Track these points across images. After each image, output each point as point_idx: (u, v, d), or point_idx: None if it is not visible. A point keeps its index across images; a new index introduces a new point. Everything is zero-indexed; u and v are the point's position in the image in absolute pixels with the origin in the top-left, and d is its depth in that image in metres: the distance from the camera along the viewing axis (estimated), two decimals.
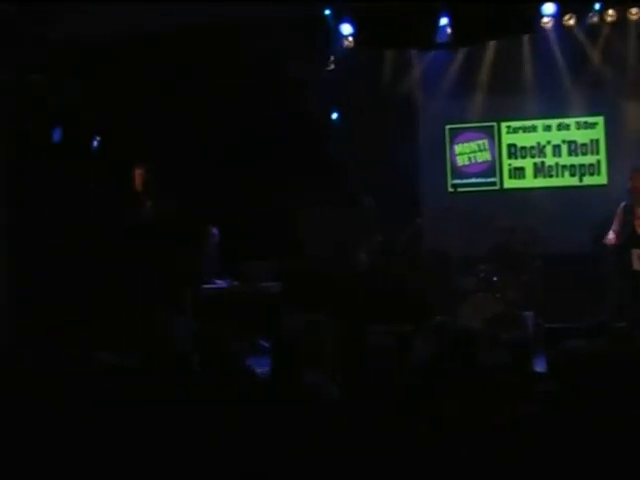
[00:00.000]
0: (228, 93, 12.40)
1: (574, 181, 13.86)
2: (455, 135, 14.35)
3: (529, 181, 14.03)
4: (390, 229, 12.68)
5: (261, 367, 6.60)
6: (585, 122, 13.76)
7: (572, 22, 12.11)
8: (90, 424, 4.68)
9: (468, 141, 14.30)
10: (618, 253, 10.42)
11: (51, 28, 9.86)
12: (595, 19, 11.92)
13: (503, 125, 14.12)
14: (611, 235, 10.51)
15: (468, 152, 14.30)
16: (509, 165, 14.15)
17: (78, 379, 5.12)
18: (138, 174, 10.04)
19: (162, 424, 4.72)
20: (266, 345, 10.16)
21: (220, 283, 12.09)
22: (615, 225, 10.52)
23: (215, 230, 12.30)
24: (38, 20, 9.69)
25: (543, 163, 13.97)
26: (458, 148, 14.34)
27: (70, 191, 11.60)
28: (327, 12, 11.70)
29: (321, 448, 4.36)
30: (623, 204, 10.38)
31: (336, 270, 12.70)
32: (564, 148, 13.88)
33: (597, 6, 11.71)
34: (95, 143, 12.59)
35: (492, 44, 13.10)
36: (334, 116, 13.96)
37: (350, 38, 12.29)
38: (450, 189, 13.26)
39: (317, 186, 13.17)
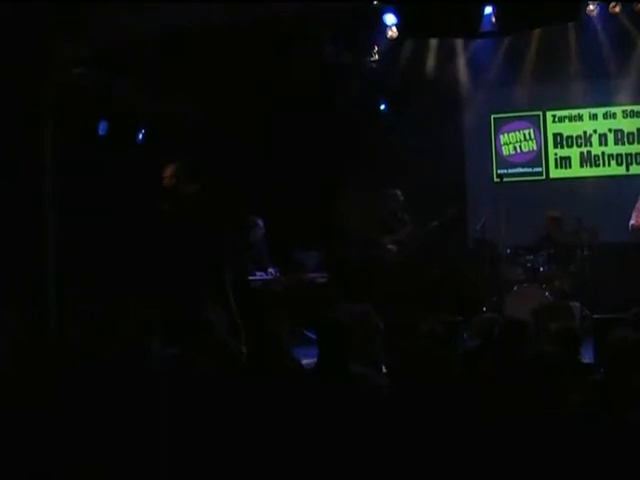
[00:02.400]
0: (275, 84, 12.42)
1: (621, 170, 13.76)
2: (500, 124, 14.29)
3: (575, 171, 13.95)
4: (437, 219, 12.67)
5: (308, 358, 6.64)
6: (632, 110, 13.65)
7: (618, 9, 11.95)
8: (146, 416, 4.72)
9: (513, 130, 14.25)
10: None
11: (97, 23, 9.91)
12: None
13: (549, 114, 14.05)
14: (633, 221, 10.46)
15: (513, 141, 14.25)
16: (555, 154, 14.07)
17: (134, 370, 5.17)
18: (172, 168, 9.74)
19: (209, 416, 4.74)
20: (313, 336, 10.20)
21: (262, 275, 12.11)
22: (634, 217, 10.42)
23: (260, 221, 12.32)
24: (84, 15, 9.74)
25: (589, 152, 13.89)
26: (503, 137, 14.29)
27: (117, 184, 11.67)
28: (374, 2, 11.64)
29: (370, 438, 4.37)
30: None
31: (368, 260, 12.70)
32: (610, 137, 13.79)
33: None
34: (140, 136, 12.67)
35: (537, 32, 12.98)
36: (382, 107, 13.95)
37: (394, 28, 12.24)
38: (496, 179, 13.19)
39: (362, 177, 13.19)
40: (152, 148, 12.25)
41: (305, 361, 6.35)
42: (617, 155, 13.77)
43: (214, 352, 5.58)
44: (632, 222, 10.35)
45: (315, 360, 5.51)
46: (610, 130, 13.79)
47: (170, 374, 5.01)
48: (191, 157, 11.64)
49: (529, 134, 14.16)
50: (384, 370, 5.92)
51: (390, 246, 12.48)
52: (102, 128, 12.11)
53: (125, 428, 4.67)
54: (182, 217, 9.67)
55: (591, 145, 13.87)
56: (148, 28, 10.22)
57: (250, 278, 11.92)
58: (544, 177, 14.10)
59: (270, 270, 12.23)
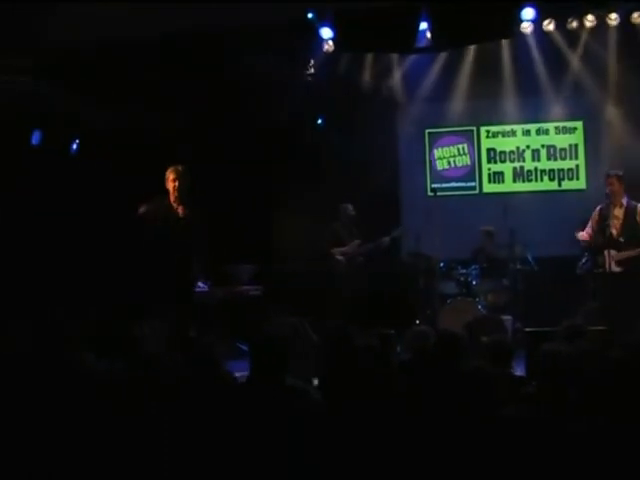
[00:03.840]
0: (211, 98, 12.39)
1: (553, 186, 13.94)
2: (435, 139, 14.40)
3: (508, 185, 14.09)
4: (371, 232, 12.68)
5: (241, 371, 6.61)
6: (564, 127, 13.85)
7: (551, 27, 12.14)
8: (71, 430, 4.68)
9: (448, 145, 14.35)
10: (594, 255, 10.49)
11: (36, 33, 9.83)
12: (575, 24, 11.94)
13: (482, 129, 14.19)
14: (583, 232, 10.59)
15: (448, 156, 14.35)
16: (488, 169, 14.21)
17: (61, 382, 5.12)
18: (172, 178, 9.75)
19: (138, 428, 4.71)
20: (245, 348, 10.15)
21: (202, 287, 12.03)
22: (589, 227, 10.59)
23: None
24: (22, 24, 9.67)
25: (522, 167, 14.04)
26: (438, 152, 14.38)
27: (50, 194, 11.58)
28: (309, 16, 11.66)
29: (303, 451, 4.36)
30: (599, 207, 10.44)
31: (315, 272, 12.71)
32: (543, 153, 13.96)
33: (576, 13, 11.72)
34: (75, 146, 12.57)
35: (472, 49, 13.12)
36: (319, 121, 13.98)
37: (330, 42, 12.28)
38: (430, 193, 13.27)
39: (299, 189, 13.19)
40: (86, 158, 12.17)
41: (238, 374, 6.33)
42: (549, 170, 13.94)
43: (146, 366, 5.53)
44: (582, 233, 10.46)
45: (248, 373, 5.49)
46: (543, 146, 13.95)
47: (100, 387, 4.96)
48: (127, 169, 11.63)
49: (463, 149, 14.28)
50: (318, 384, 5.92)
51: (339, 257, 12.48)
52: (35, 138, 11.99)
53: (50, 437, 4.63)
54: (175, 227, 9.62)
55: (524, 160, 14.02)
56: (84, 40, 10.17)
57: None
58: (477, 192, 14.23)
59: (199, 284, 12.12)
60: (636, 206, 10.32)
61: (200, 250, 9.89)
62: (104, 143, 12.21)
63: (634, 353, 5.67)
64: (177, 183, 9.53)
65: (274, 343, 5.19)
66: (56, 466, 4.60)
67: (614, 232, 10.30)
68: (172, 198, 9.58)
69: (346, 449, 4.28)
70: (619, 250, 10.24)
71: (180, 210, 9.53)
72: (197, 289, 11.95)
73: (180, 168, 9.63)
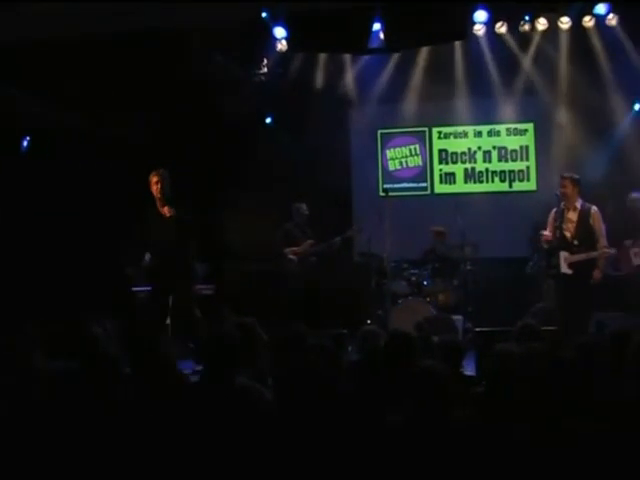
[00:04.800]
0: (163, 96, 12.32)
1: (504, 187, 14.03)
2: (387, 140, 14.44)
3: (459, 186, 14.16)
4: (323, 232, 12.68)
5: (191, 369, 6.59)
6: (515, 128, 13.95)
7: (504, 30, 12.22)
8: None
9: (400, 146, 14.40)
10: (547, 256, 10.56)
11: None
12: (527, 27, 12.02)
13: (434, 130, 14.25)
14: (547, 232, 10.67)
15: (400, 157, 14.40)
16: (440, 170, 14.27)
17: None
18: (155, 181, 10.21)
19: (91, 428, 4.68)
20: (195, 348, 10.11)
21: (147, 286, 11.97)
22: (548, 230, 10.66)
23: None
24: None
25: (473, 169, 14.12)
26: (390, 153, 14.43)
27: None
28: (263, 15, 11.63)
29: (254, 450, 4.36)
30: (555, 209, 10.51)
31: (267, 271, 12.69)
32: (494, 154, 14.05)
33: (527, 16, 11.80)
34: (25, 143, 12.47)
35: (424, 50, 13.18)
36: (268, 120, 13.96)
37: (284, 41, 12.26)
38: (382, 193, 13.30)
39: (249, 189, 13.15)
40: (38, 157, 12.08)
41: (190, 373, 6.32)
42: (500, 172, 14.03)
43: (99, 366, 5.50)
44: (546, 233, 10.53)
45: (200, 372, 5.48)
46: (494, 147, 14.05)
47: (51, 387, 4.92)
48: (79, 167, 11.54)
49: (415, 150, 14.33)
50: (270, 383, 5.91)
51: (292, 257, 12.45)
52: None
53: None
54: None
55: (475, 162, 14.10)
56: (31, 36, 10.09)
57: (135, 289, 11.78)
58: (429, 192, 14.29)
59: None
60: (590, 209, 10.40)
61: (187, 247, 10.32)
62: (55, 142, 12.11)
63: (584, 353, 5.73)
64: (159, 185, 10.15)
65: (225, 343, 5.17)
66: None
67: (568, 235, 10.38)
68: (157, 201, 10.16)
69: (296, 449, 4.28)
70: (572, 252, 10.32)
71: (166, 211, 10.09)
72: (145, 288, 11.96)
73: (161, 171, 10.21)
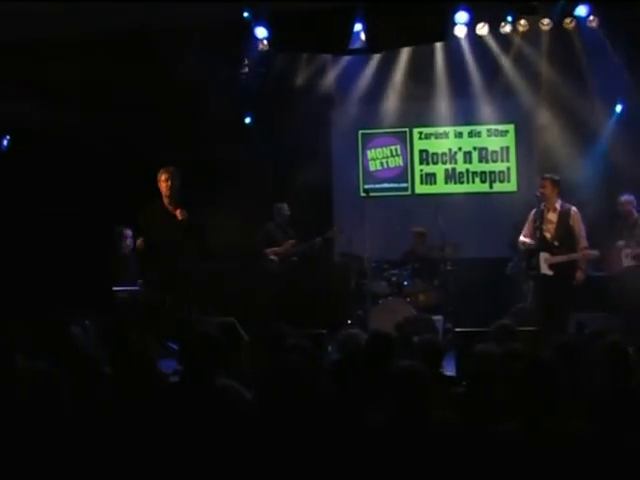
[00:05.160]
0: (144, 95, 12.30)
1: (484, 187, 14.05)
2: (368, 140, 14.45)
3: (440, 187, 14.18)
4: (303, 233, 12.66)
5: (173, 370, 6.58)
6: (496, 129, 13.99)
7: (485, 31, 12.23)
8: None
9: (381, 146, 14.41)
10: (528, 257, 10.59)
11: None
12: (507, 29, 12.04)
13: (415, 131, 14.27)
14: (524, 239, 10.69)
15: (380, 157, 14.40)
16: (421, 171, 14.29)
17: None
18: (164, 178, 10.16)
19: (68, 428, 4.67)
20: (176, 348, 10.10)
21: (128, 286, 11.95)
22: (526, 230, 10.69)
23: (129, 232, 12.19)
24: None
25: (454, 169, 14.14)
26: (371, 153, 14.43)
27: None
28: (245, 15, 11.62)
29: (234, 450, 4.35)
30: (534, 210, 10.55)
31: (248, 271, 12.68)
32: (475, 155, 14.08)
33: (509, 17, 11.81)
34: (5, 142, 12.43)
35: (406, 51, 13.19)
36: (247, 120, 13.93)
37: (265, 41, 12.26)
38: (362, 194, 13.31)
39: (230, 189, 13.12)
40: (18, 156, 12.04)
41: (170, 374, 6.31)
42: (481, 172, 14.06)
43: (78, 366, 5.48)
44: (524, 240, 10.58)
45: (180, 373, 5.46)
46: (475, 148, 14.08)
47: (31, 388, 4.90)
48: (59, 166, 11.51)
49: (396, 150, 14.34)
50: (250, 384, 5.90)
51: (273, 257, 12.43)
52: None
53: None
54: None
55: (456, 162, 14.13)
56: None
57: (116, 289, 11.75)
58: (410, 193, 14.29)
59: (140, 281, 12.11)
60: (569, 210, 10.44)
61: (194, 249, 10.33)
62: (35, 141, 12.07)
63: (564, 354, 5.76)
64: (169, 183, 10.07)
65: (205, 343, 5.17)
66: None
67: (548, 236, 10.41)
68: (165, 199, 10.09)
69: (277, 449, 4.27)
70: (552, 254, 10.36)
71: (178, 213, 10.04)
72: (131, 288, 11.94)
73: (171, 169, 10.12)
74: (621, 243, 11.22)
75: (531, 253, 10.53)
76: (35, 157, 11.90)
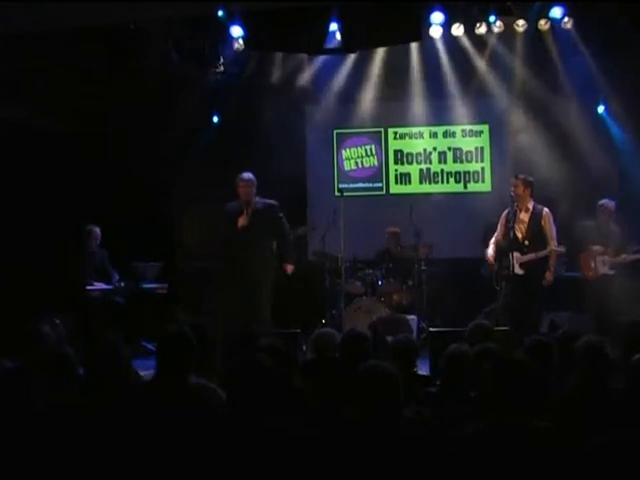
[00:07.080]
0: (116, 93, 12.26)
1: (459, 188, 14.09)
2: (343, 140, 14.45)
3: (415, 187, 14.21)
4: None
5: (146, 370, 6.55)
6: (471, 130, 14.02)
7: (460, 32, 12.26)
8: None
9: (355, 146, 14.42)
10: (500, 257, 10.63)
11: None
12: (482, 30, 12.06)
13: (390, 131, 14.29)
14: (490, 252, 10.74)
15: (355, 157, 14.42)
16: (395, 171, 14.31)
17: None
18: (243, 185, 10.72)
19: (39, 427, 4.64)
20: (151, 347, 10.07)
21: (100, 285, 11.92)
22: (498, 231, 10.74)
23: (98, 230, 12.14)
24: None
25: (429, 169, 14.17)
26: (345, 153, 14.44)
27: None
28: (220, 13, 11.59)
29: (207, 449, 4.34)
30: (507, 210, 10.59)
31: (221, 271, 12.64)
32: (450, 155, 14.11)
33: (492, 18, 11.82)
34: None
35: (381, 51, 13.21)
36: (215, 119, 13.88)
37: (240, 40, 12.22)
38: (337, 193, 13.30)
39: (204, 187, 13.07)
40: None
41: (143, 373, 6.28)
42: (455, 173, 14.10)
43: (48, 364, 5.44)
44: (490, 254, 10.64)
45: (153, 372, 5.44)
46: (449, 148, 14.11)
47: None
48: (31, 162, 11.44)
49: (370, 150, 14.36)
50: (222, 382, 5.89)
51: None
52: None
53: None
54: None
55: (431, 162, 14.16)
56: None
57: (89, 288, 11.72)
58: (384, 192, 14.31)
59: (115, 276, 12.07)
60: (542, 210, 10.50)
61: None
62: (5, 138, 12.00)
63: (536, 353, 5.78)
64: (249, 189, 10.74)
65: (179, 342, 5.15)
66: None
67: (519, 235, 10.47)
68: (243, 204, 10.73)
69: (250, 448, 4.27)
70: (522, 253, 10.41)
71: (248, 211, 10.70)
72: (104, 286, 11.90)
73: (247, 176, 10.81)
74: (597, 249, 11.25)
75: (502, 253, 10.59)
76: (6, 153, 11.81)
